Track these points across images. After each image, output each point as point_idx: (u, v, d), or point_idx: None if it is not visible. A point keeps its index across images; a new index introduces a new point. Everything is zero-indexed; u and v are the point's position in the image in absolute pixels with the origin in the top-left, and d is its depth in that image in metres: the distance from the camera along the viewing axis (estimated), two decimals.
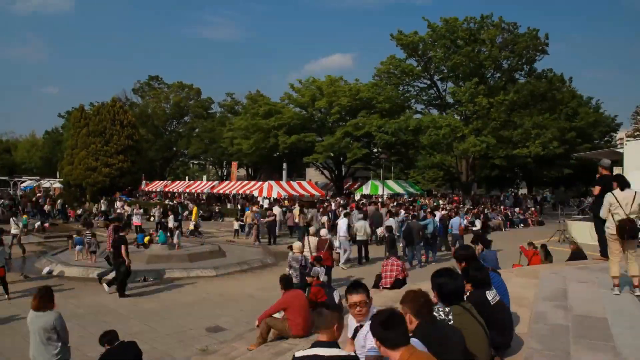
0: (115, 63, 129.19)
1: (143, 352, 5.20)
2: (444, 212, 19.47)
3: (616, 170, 14.89)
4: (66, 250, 16.33)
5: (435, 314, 3.28)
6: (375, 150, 37.89)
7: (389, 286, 9.22)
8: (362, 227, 14.86)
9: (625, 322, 4.90)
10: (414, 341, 2.80)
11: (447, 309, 3.35)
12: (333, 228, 16.73)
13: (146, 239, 15.18)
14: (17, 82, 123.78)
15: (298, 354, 3.10)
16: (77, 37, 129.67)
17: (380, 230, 17.11)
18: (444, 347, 2.89)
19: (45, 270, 13.08)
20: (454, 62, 30.64)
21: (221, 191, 35.28)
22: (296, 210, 19.57)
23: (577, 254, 10.17)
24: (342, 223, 14.63)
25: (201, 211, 26.84)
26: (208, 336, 7.88)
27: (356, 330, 3.51)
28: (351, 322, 3.72)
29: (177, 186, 41.22)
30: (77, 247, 14.51)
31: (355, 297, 3.49)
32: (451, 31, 31.12)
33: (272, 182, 31.16)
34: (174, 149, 56.69)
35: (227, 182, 39.70)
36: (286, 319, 6.68)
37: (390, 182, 37.85)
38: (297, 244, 9.69)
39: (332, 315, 3.13)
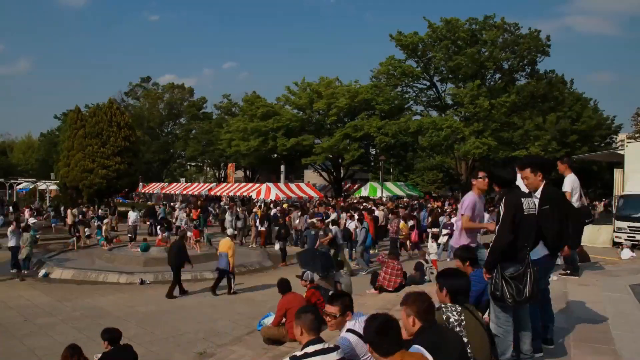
0: (113, 63, 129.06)
1: (140, 356, 5.14)
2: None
3: (617, 172, 14.91)
4: (63, 252, 16.27)
5: (449, 314, 3.29)
6: (374, 152, 37.91)
7: (391, 289, 9.20)
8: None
9: (625, 324, 4.88)
10: (417, 347, 2.77)
11: (459, 308, 3.33)
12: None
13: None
14: (13, 82, 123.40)
15: (297, 353, 3.13)
16: (75, 36, 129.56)
17: None
18: (443, 351, 2.86)
19: (42, 272, 13.01)
20: (455, 62, 30.62)
21: (218, 193, 35.23)
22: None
23: (580, 256, 10.09)
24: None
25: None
26: (206, 339, 7.81)
27: None
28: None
29: (174, 188, 41.12)
30: None
31: (329, 308, 3.60)
32: (452, 32, 31.11)
33: (270, 184, 31.09)
34: (171, 150, 56.60)
35: (225, 184, 39.64)
36: (282, 325, 6.62)
37: (389, 184, 37.86)
38: None
39: (312, 316, 3.22)
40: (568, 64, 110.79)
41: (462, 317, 3.28)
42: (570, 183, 6.44)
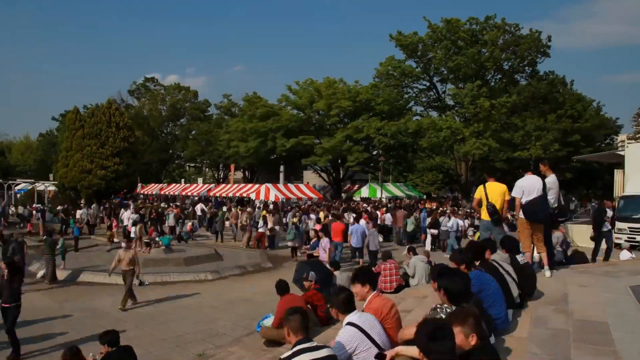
0: (111, 63, 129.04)
1: (139, 357, 5.10)
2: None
3: (617, 173, 14.91)
4: (60, 253, 16.14)
5: (442, 315, 3.26)
6: (375, 152, 37.88)
7: (389, 291, 9.19)
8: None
9: (626, 326, 4.86)
10: None
11: (454, 309, 3.32)
12: None
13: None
14: (11, 83, 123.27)
15: (284, 356, 3.21)
16: (72, 36, 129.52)
17: None
18: None
19: (40, 273, 12.96)
20: (455, 63, 30.59)
21: (217, 194, 35.16)
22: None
23: (579, 258, 10.12)
24: None
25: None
26: (205, 340, 7.79)
27: None
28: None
29: (173, 189, 41.04)
30: None
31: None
32: (452, 32, 31.08)
33: (270, 185, 31.03)
34: (170, 151, 56.51)
35: (224, 184, 39.57)
36: (282, 326, 6.58)
37: (389, 185, 37.86)
38: None
39: (296, 318, 3.33)
40: (575, 65, 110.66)
41: None
42: (550, 184, 7.10)
